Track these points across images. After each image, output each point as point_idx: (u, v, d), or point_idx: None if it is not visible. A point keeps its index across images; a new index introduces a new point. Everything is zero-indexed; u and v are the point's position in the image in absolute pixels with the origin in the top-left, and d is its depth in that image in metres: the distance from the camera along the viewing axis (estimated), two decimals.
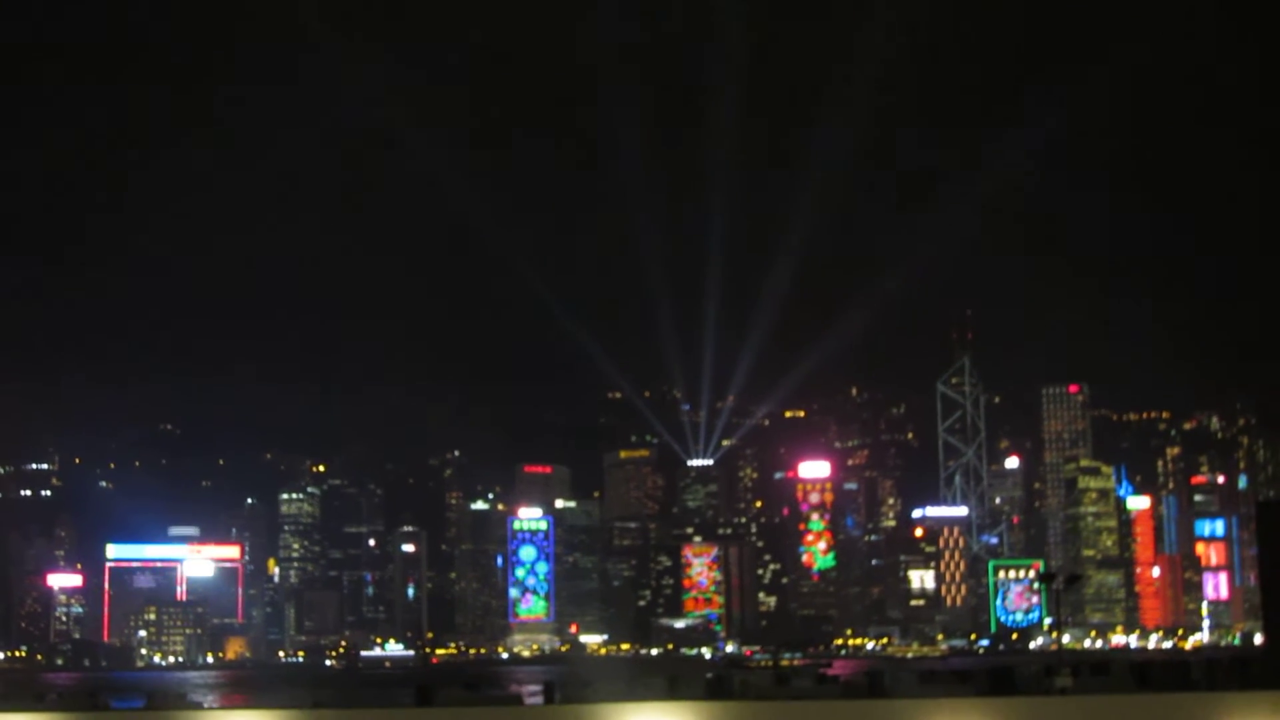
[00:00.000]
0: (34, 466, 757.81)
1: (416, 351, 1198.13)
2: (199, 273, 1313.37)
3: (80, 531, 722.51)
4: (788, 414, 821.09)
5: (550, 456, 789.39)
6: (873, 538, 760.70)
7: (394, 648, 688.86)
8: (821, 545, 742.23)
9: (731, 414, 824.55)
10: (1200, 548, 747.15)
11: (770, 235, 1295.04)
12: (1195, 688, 63.93)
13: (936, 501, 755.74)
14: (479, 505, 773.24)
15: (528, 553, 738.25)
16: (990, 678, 63.64)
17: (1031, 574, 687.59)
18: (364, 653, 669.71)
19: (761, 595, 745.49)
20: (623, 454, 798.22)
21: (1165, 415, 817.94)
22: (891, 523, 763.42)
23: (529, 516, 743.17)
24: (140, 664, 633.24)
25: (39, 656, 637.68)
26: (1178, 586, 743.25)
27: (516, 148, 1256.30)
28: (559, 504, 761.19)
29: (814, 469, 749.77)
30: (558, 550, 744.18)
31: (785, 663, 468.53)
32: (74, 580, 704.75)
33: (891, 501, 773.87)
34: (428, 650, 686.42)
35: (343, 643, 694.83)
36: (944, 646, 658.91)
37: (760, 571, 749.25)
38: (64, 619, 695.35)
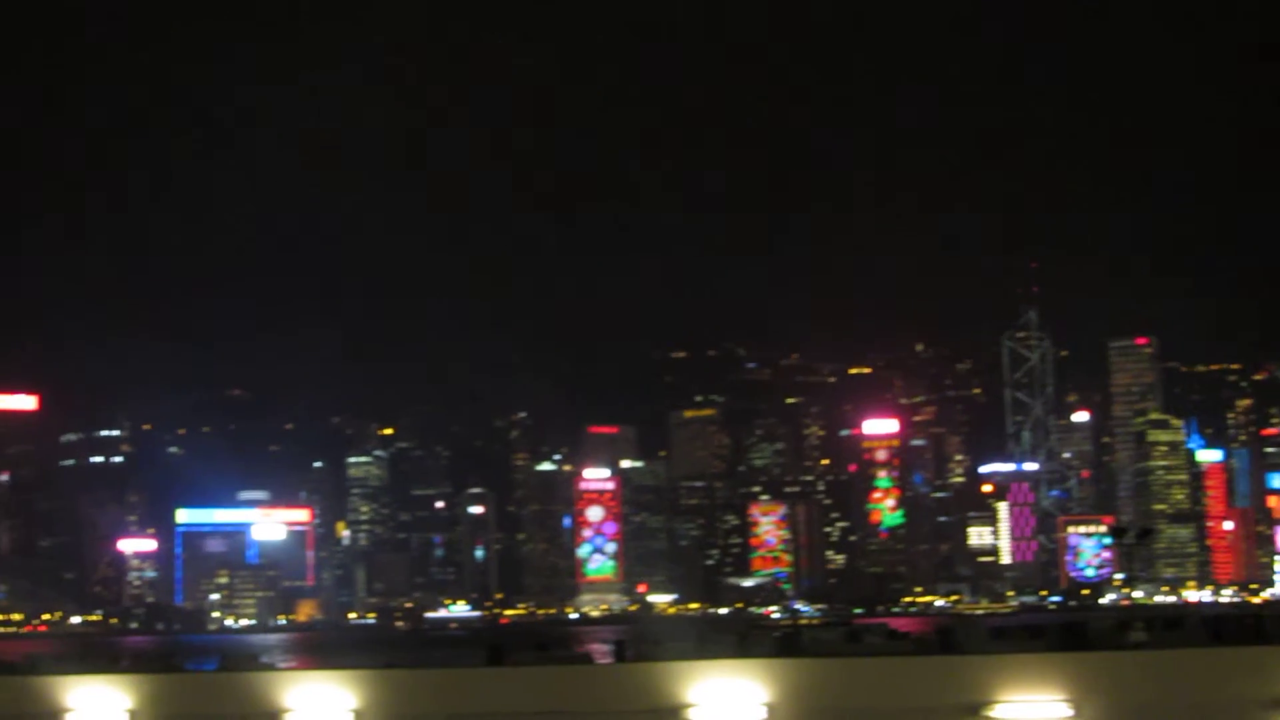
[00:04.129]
0: (105, 433, 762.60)
1: (482, 313, 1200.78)
2: (267, 237, 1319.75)
3: (151, 497, 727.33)
4: (853, 371, 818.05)
5: (616, 416, 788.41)
6: (941, 494, 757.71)
7: (460, 608, 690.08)
8: (889, 502, 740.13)
9: (797, 371, 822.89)
10: (1272, 500, 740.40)
11: (833, 190, 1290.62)
12: (1269, 641, 62.80)
13: (1004, 457, 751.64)
14: (545, 466, 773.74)
15: (595, 513, 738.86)
16: (1062, 633, 62.61)
17: (1102, 529, 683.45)
18: (429, 614, 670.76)
19: (829, 553, 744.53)
20: (688, 413, 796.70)
21: (1235, 367, 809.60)
22: (960, 479, 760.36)
23: (595, 477, 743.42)
24: (212, 627, 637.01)
25: (113, 620, 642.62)
26: (1250, 540, 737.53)
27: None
28: (625, 464, 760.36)
29: (881, 426, 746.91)
30: (625, 510, 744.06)
31: (804, 620, 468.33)
32: (146, 545, 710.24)
33: (959, 457, 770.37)
34: (496, 611, 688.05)
35: (408, 604, 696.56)
36: (1014, 603, 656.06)
37: (828, 529, 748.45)
38: (137, 583, 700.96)
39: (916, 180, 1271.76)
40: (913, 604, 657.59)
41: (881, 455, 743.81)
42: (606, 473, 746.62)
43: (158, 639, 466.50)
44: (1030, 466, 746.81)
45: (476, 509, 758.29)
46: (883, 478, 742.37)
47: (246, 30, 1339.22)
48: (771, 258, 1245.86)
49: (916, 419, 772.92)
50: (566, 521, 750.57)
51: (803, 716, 39.42)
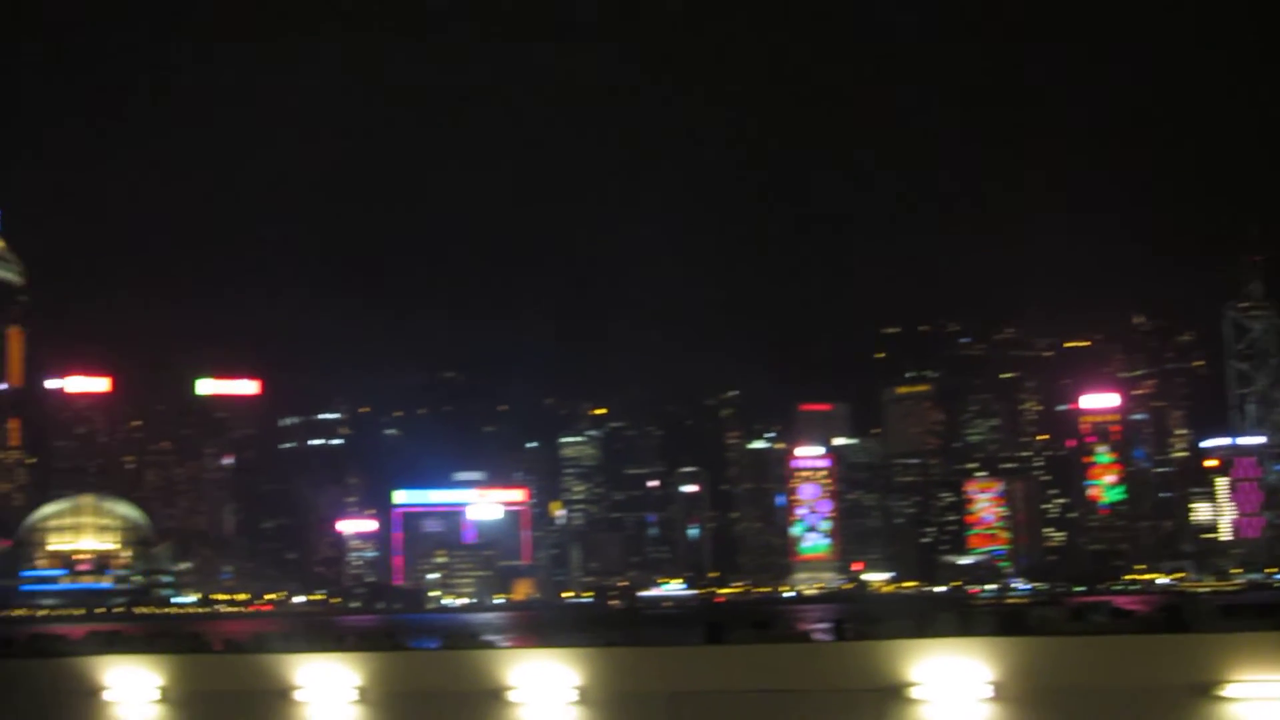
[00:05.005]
0: (324, 416, 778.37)
1: (691, 293, 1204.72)
2: (480, 218, 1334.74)
3: (370, 478, 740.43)
4: (1070, 344, 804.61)
5: (828, 393, 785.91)
6: (1162, 469, 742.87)
7: (673, 587, 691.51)
8: (1109, 478, 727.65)
9: (1012, 345, 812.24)
10: None
11: (1050, 160, 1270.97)
12: None
13: (1228, 431, 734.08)
14: (758, 444, 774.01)
15: (809, 491, 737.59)
16: None
17: None
18: (641, 592, 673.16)
19: (1048, 530, 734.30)
20: (901, 389, 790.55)
21: None
22: (1182, 453, 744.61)
23: (809, 454, 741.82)
24: (431, 606, 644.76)
25: (335, 600, 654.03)
26: None
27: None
28: (838, 441, 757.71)
29: (1100, 400, 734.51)
30: (839, 488, 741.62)
31: (1011, 599, 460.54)
32: (366, 525, 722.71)
33: (1181, 432, 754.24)
34: (710, 590, 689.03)
35: (621, 582, 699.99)
36: (1240, 580, 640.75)
37: (1046, 506, 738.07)
38: (357, 563, 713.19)
39: (1138, 148, 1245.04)
40: (1134, 582, 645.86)
41: (1101, 430, 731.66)
42: (820, 450, 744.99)
43: (379, 618, 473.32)
44: (1255, 441, 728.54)
45: (690, 487, 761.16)
46: (1102, 453, 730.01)
47: None
48: (985, 232, 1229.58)
49: (1136, 393, 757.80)
50: (780, 500, 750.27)
51: (1028, 695, 38.87)
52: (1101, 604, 75.49)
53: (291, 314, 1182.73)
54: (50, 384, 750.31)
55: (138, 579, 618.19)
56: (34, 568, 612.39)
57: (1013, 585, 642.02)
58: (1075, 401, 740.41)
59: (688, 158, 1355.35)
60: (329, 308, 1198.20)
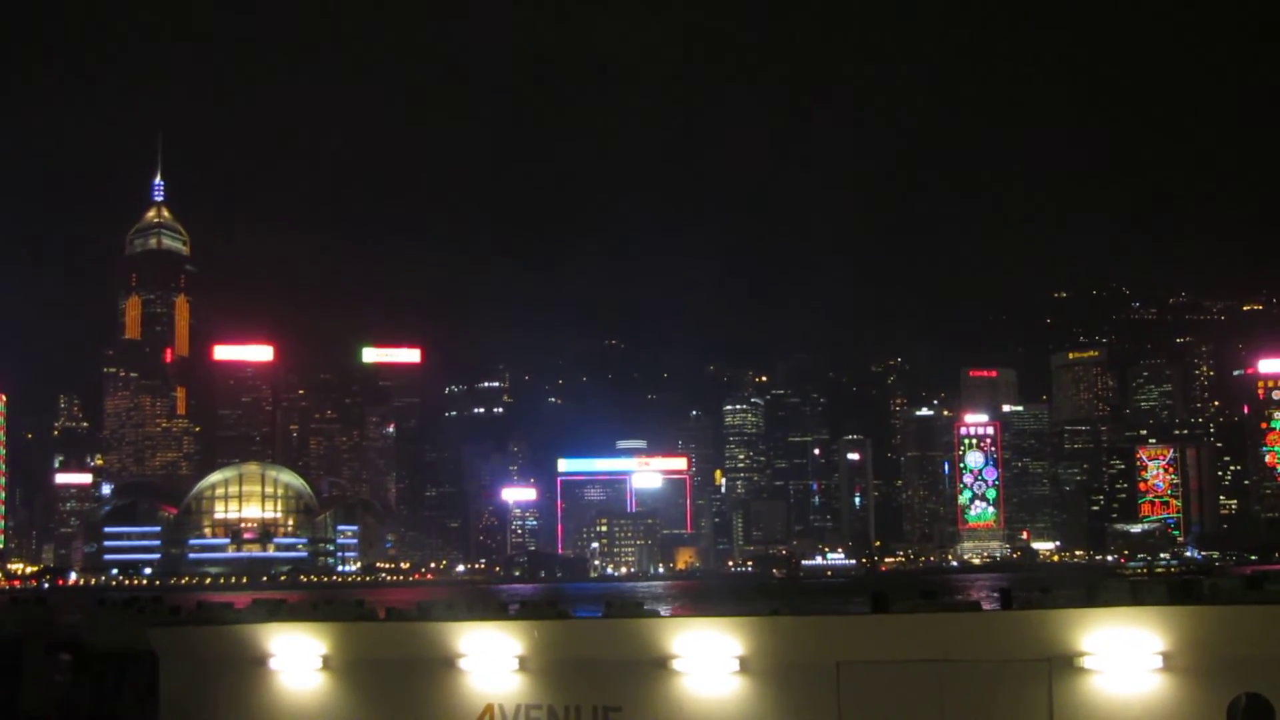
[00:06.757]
0: (486, 385, 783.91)
1: (855, 260, 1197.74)
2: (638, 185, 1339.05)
3: (532, 446, 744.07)
4: (1245, 307, 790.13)
5: (995, 360, 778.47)
6: None
7: (834, 557, 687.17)
8: None
9: (1185, 309, 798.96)
10: None
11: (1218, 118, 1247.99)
12: None
13: None
14: (924, 412, 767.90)
15: (975, 459, 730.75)
16: None
17: None
18: (805, 562, 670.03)
19: (1222, 498, 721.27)
20: (1071, 355, 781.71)
21: None
22: None
23: (975, 421, 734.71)
24: (593, 575, 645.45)
25: (497, 569, 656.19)
26: None
27: None
28: (1006, 408, 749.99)
29: (1276, 364, 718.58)
30: (1006, 455, 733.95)
31: (1159, 569, 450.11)
32: (528, 494, 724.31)
33: None
34: (876, 559, 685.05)
35: (784, 551, 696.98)
36: None
37: (1220, 473, 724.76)
38: (519, 532, 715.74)
39: None
40: None
41: (1277, 395, 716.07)
42: (985, 417, 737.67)
43: (542, 587, 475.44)
44: None
45: (854, 455, 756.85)
46: (1278, 419, 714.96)
47: None
48: (1156, 195, 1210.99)
49: None
50: (946, 468, 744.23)
51: (1201, 665, 37.50)
52: (1278, 573, 73.01)
53: (453, 281, 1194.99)
54: (215, 353, 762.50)
55: (302, 547, 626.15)
56: (200, 536, 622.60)
57: (1187, 553, 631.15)
58: (1251, 366, 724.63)
59: (850, 118, 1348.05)
60: (490, 275, 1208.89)
